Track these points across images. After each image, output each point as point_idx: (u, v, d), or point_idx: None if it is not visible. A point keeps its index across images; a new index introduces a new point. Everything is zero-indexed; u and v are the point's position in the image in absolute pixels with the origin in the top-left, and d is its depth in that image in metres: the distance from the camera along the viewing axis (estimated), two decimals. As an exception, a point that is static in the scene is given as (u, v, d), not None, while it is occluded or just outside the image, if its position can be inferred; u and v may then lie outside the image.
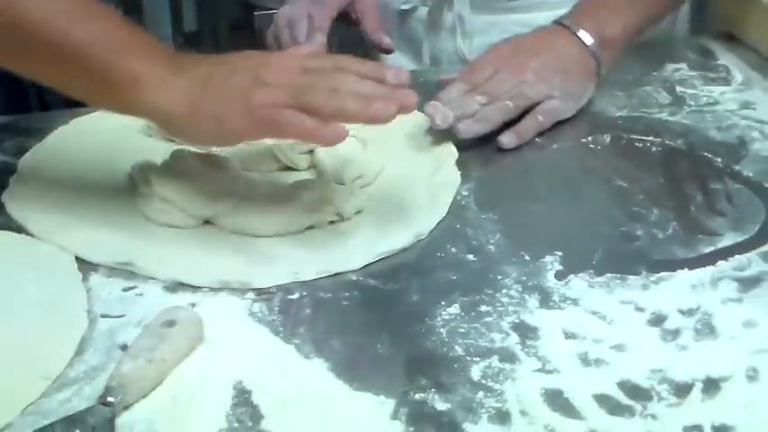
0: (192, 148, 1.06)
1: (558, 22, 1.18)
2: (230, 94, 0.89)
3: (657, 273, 0.91)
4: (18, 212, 1.00)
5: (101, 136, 1.13)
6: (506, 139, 1.11)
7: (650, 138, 1.13)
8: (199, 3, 2.92)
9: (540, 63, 1.13)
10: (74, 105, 1.20)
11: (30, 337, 0.84)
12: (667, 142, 1.12)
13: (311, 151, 1.06)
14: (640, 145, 1.12)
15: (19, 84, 1.51)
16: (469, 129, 1.10)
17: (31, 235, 0.97)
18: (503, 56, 1.15)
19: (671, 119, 1.17)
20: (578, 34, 1.15)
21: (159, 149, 1.07)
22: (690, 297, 0.88)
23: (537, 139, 1.13)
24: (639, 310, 0.87)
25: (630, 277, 0.91)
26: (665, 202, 1.02)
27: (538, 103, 1.13)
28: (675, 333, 0.84)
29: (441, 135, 1.11)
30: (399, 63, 1.41)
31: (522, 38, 1.18)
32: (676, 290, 0.89)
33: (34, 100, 2.07)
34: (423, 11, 1.39)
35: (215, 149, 1.05)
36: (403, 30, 1.42)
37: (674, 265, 0.92)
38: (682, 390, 0.78)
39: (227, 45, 2.79)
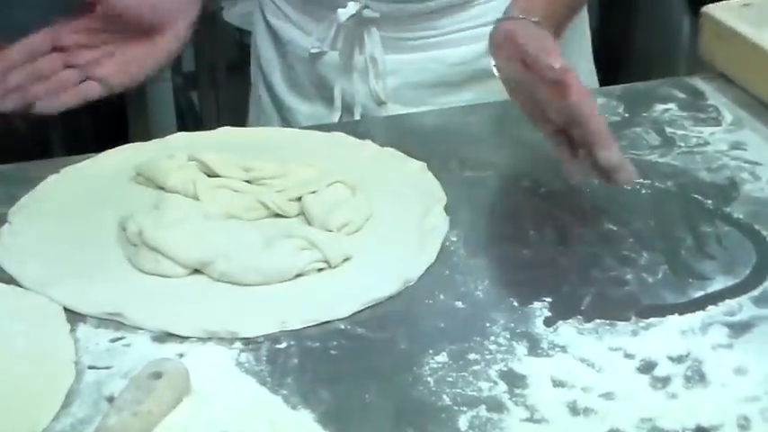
0: (179, 196, 1.06)
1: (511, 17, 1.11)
2: None
3: (647, 318, 0.91)
4: (7, 263, 0.99)
5: (91, 185, 1.13)
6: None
7: (640, 180, 1.12)
8: (196, 44, 2.93)
9: None
10: (76, 149, 1.21)
11: (16, 389, 0.84)
12: (657, 184, 1.12)
13: (300, 198, 1.06)
14: (629, 188, 1.11)
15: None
16: None
17: (21, 286, 0.97)
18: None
19: (660, 160, 1.17)
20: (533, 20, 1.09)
21: (150, 197, 1.07)
22: (680, 343, 0.88)
23: (525, 183, 1.13)
24: (629, 356, 0.87)
25: (620, 323, 0.91)
26: (655, 245, 1.02)
27: None
28: (665, 381, 0.84)
29: (429, 180, 1.11)
30: (312, 110, 1.40)
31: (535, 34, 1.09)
32: (666, 336, 0.89)
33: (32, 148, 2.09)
34: (332, 55, 1.36)
35: (205, 199, 1.05)
36: (312, 74, 1.39)
37: (663, 310, 0.92)
38: (671, 439, 0.78)
39: (224, 85, 2.80)
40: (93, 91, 1.21)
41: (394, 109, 1.34)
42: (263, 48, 1.46)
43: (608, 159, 1.00)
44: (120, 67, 1.22)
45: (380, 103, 1.35)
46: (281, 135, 1.24)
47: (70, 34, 1.19)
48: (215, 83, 2.85)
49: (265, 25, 1.45)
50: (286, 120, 1.42)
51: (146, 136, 1.24)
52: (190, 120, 2.88)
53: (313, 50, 1.35)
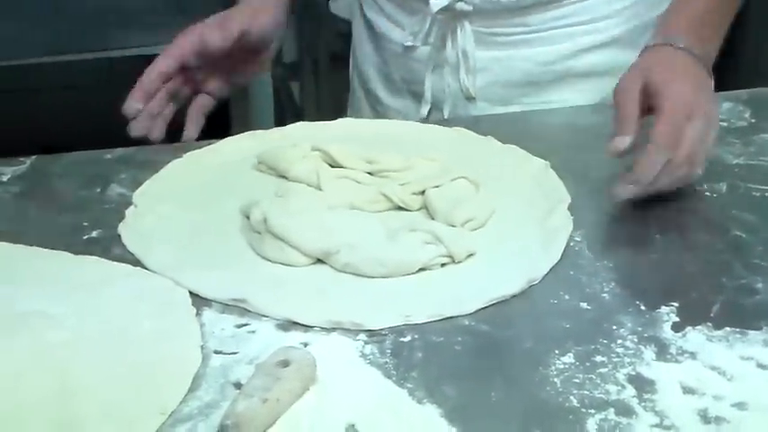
0: (303, 186, 1.07)
1: (685, 49, 1.11)
2: None
3: (779, 328, 0.89)
4: (134, 245, 1.01)
5: (213, 171, 1.14)
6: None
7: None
8: (298, 34, 2.95)
9: (705, 99, 1.08)
10: (177, 136, 1.23)
11: (145, 371, 0.85)
12: (787, 192, 1.10)
13: (423, 192, 1.06)
14: (758, 194, 1.09)
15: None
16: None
17: (147, 268, 0.98)
18: (687, 101, 1.06)
19: (790, 167, 1.15)
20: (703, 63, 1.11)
21: (271, 186, 1.08)
22: (814, 355, 0.86)
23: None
24: (761, 367, 0.85)
25: (751, 332, 0.89)
26: (785, 254, 1.00)
27: None
28: (800, 393, 0.82)
29: (552, 179, 1.10)
30: (401, 104, 1.41)
31: (678, 67, 1.10)
32: (799, 347, 0.87)
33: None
34: (423, 50, 1.36)
35: (327, 189, 1.05)
36: (403, 69, 1.40)
37: (796, 320, 0.90)
38: (807, 452, 0.76)
39: (326, 76, 2.81)
40: (208, 104, 1.28)
41: (482, 106, 1.35)
42: (360, 41, 1.47)
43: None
44: (226, 79, 1.29)
45: (470, 99, 1.35)
46: (403, 128, 1.24)
47: (194, 55, 1.23)
48: (317, 74, 2.86)
49: (363, 19, 1.46)
50: (378, 113, 1.44)
51: (245, 126, 1.28)
52: (289, 110, 2.90)
53: (407, 44, 1.35)
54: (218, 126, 1.27)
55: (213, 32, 1.23)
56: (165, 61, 1.23)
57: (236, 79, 1.31)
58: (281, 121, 1.23)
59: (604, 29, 1.34)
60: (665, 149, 1.03)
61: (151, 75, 1.22)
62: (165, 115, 1.24)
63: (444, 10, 1.30)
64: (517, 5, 1.30)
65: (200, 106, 1.28)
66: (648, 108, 1.06)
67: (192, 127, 1.26)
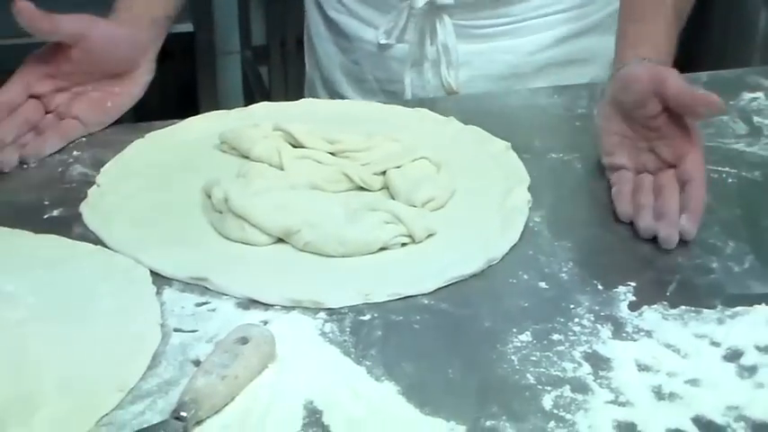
0: (264, 165, 1.07)
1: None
2: None
3: (733, 307, 0.90)
4: (95, 224, 1.01)
5: (176, 151, 1.14)
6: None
7: (726, 168, 1.12)
8: (267, 17, 2.94)
9: None
10: (143, 119, 1.22)
11: (104, 348, 0.85)
12: (744, 173, 1.11)
13: (384, 172, 1.06)
14: (716, 176, 1.11)
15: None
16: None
17: (108, 247, 0.98)
18: None
19: (748, 149, 1.16)
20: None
21: (233, 165, 1.08)
22: (767, 333, 0.87)
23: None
24: (715, 344, 0.86)
25: (705, 311, 0.90)
26: (741, 234, 1.01)
27: None
28: (752, 370, 0.83)
29: (512, 160, 1.11)
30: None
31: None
32: (753, 325, 0.88)
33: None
34: (399, 48, 1.35)
35: (289, 169, 1.05)
36: (378, 69, 1.39)
37: (750, 299, 0.91)
38: (759, 428, 0.77)
39: (294, 59, 2.80)
40: (74, 130, 1.16)
41: None
42: (321, 43, 1.45)
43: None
44: (95, 104, 1.18)
45: (451, 94, 1.34)
46: (365, 108, 1.24)
47: (43, 80, 1.16)
48: (285, 57, 2.85)
49: (324, 20, 1.43)
50: None
51: (214, 108, 1.25)
52: (258, 94, 2.90)
53: (381, 42, 1.34)
54: (187, 109, 1.27)
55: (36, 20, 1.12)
56: (6, 92, 1.14)
57: (105, 104, 1.19)
58: (249, 104, 1.21)
59: (585, 15, 1.35)
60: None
61: None
62: (17, 144, 1.13)
63: (425, 4, 1.29)
64: None
65: (63, 130, 1.16)
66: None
67: (42, 142, 1.14)
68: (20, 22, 1.11)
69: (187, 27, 2.57)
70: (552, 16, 1.33)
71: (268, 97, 2.82)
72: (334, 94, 1.44)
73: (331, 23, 1.42)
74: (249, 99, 3.01)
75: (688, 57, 1.36)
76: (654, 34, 1.12)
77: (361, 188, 1.06)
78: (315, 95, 1.48)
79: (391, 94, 1.38)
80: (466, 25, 1.32)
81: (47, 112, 1.17)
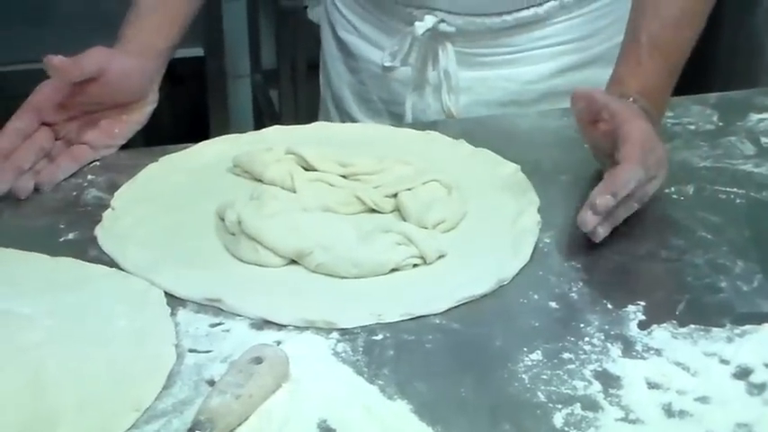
0: (277, 188, 1.08)
1: (640, 106, 1.10)
2: None
3: (742, 326, 0.91)
4: (110, 247, 1.02)
5: (189, 174, 1.16)
6: (602, 231, 1.01)
7: (734, 189, 1.13)
8: (277, 41, 2.97)
9: (661, 153, 1.08)
10: (154, 143, 1.24)
11: (120, 368, 0.86)
12: (752, 194, 1.12)
13: (395, 195, 1.07)
14: (724, 197, 1.12)
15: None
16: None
17: (122, 269, 0.99)
18: (644, 153, 1.03)
19: (756, 170, 1.17)
20: (649, 112, 1.10)
21: (246, 188, 1.09)
22: (776, 351, 0.88)
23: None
24: (724, 362, 0.87)
25: (715, 329, 0.91)
26: (749, 254, 1.01)
27: None
28: (762, 387, 0.84)
29: (522, 182, 1.12)
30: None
31: (642, 124, 1.07)
32: (762, 343, 0.89)
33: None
34: (403, 70, 1.37)
35: (301, 192, 1.07)
36: (382, 90, 1.40)
37: (759, 318, 0.92)
38: (769, 445, 0.78)
39: (305, 84, 2.82)
40: (85, 155, 1.18)
41: None
42: (333, 63, 1.47)
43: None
44: (104, 131, 1.20)
45: (451, 118, 1.35)
46: (376, 132, 1.26)
47: (56, 109, 1.17)
48: (295, 81, 2.87)
49: (335, 40, 1.46)
50: None
51: (224, 131, 1.26)
52: (268, 117, 2.92)
53: (386, 65, 1.36)
54: (198, 133, 1.28)
55: (68, 71, 1.15)
56: (20, 120, 1.15)
57: (114, 130, 1.21)
58: (259, 127, 1.23)
59: (587, 47, 1.36)
60: (637, 167, 1.01)
61: (5, 134, 1.14)
62: (32, 171, 1.14)
63: (427, 30, 1.31)
64: (501, 26, 1.31)
65: (74, 155, 1.18)
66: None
67: (56, 168, 1.15)
68: (51, 74, 1.15)
69: (198, 51, 2.59)
70: (555, 47, 1.34)
71: (278, 120, 2.84)
72: (343, 113, 1.46)
73: (341, 43, 1.44)
74: (259, 122, 3.02)
75: (696, 78, 1.37)
76: (645, 74, 1.13)
77: (373, 210, 1.07)
78: (326, 113, 1.51)
79: (396, 115, 1.40)
80: (467, 53, 1.34)
81: (56, 139, 1.18)
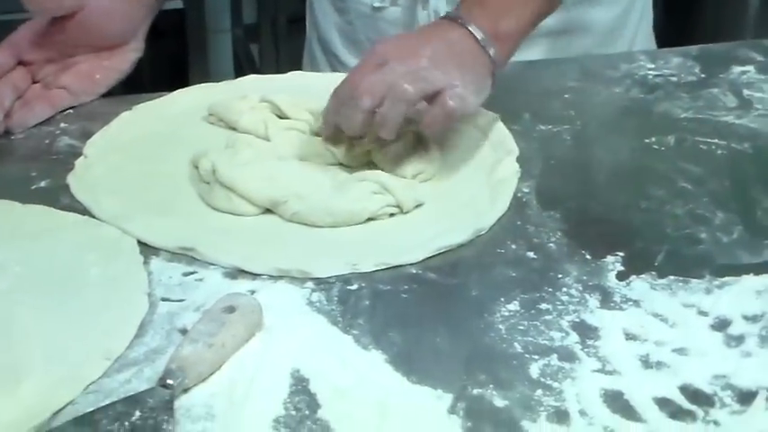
0: (252, 137, 1.06)
1: (448, 16, 1.08)
2: None
3: (722, 277, 0.90)
4: (83, 195, 1.00)
5: (163, 122, 1.14)
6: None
7: (716, 140, 1.12)
8: (258, -5, 2.94)
9: (433, 51, 1.02)
10: (133, 92, 1.21)
11: (91, 317, 0.85)
12: (733, 145, 1.11)
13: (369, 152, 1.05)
14: (705, 147, 1.11)
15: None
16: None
17: (95, 217, 0.98)
18: (387, 49, 1.03)
19: (737, 122, 1.15)
20: (469, 28, 1.06)
21: (221, 137, 1.08)
22: (755, 303, 0.87)
23: (600, 138, 1.12)
24: (703, 314, 0.86)
25: (694, 281, 0.90)
26: (730, 205, 1.01)
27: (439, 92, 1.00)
28: (739, 339, 0.83)
29: (501, 132, 1.11)
30: None
31: (408, 33, 1.12)
32: (741, 295, 0.88)
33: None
34: (392, 11, 1.34)
35: (275, 140, 1.05)
36: (370, 31, 1.37)
37: (738, 269, 0.91)
38: (746, 397, 0.77)
39: (285, 38, 2.79)
40: (62, 100, 1.16)
41: None
42: (320, 4, 1.45)
43: None
44: (83, 75, 1.17)
45: None
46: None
47: (33, 48, 1.15)
48: (276, 35, 2.84)
49: None
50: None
51: None
52: (249, 72, 2.88)
53: (375, 5, 1.34)
54: (177, 88, 1.26)
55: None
56: None
57: (95, 77, 1.18)
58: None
59: None
60: (338, 91, 1.02)
61: None
62: (2, 111, 1.11)
63: None
64: None
65: (50, 100, 1.15)
66: None
67: (29, 111, 1.13)
68: (26, 4, 1.11)
69: (177, 4, 2.56)
70: None
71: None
72: (330, 54, 1.44)
73: None
74: (240, 77, 2.99)
75: (681, 31, 1.35)
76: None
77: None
78: (312, 57, 1.48)
79: None
80: None
81: (34, 82, 1.16)
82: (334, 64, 1.43)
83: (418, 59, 1.01)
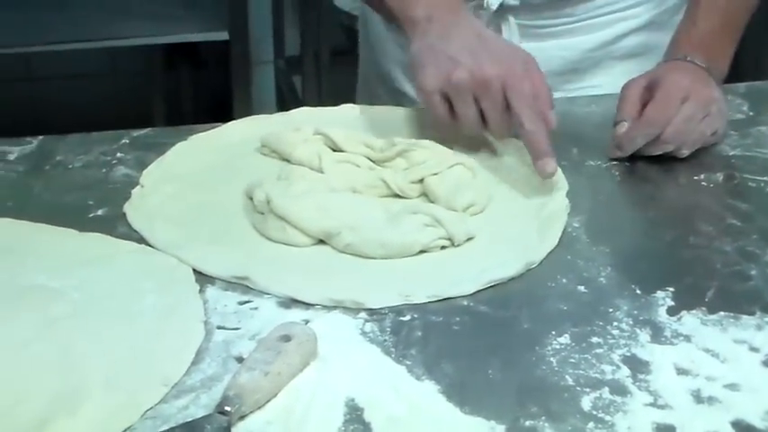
0: (305, 168, 1.08)
1: (688, 60, 1.19)
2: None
3: (772, 314, 0.91)
4: (139, 223, 1.02)
5: (218, 153, 1.16)
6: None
7: (765, 177, 1.12)
8: (301, 28, 2.96)
9: (719, 95, 1.17)
10: (176, 122, 1.23)
11: (149, 344, 0.86)
12: (783, 183, 1.12)
13: (421, 180, 1.07)
14: (754, 185, 1.11)
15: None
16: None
17: (151, 246, 1.00)
18: (681, 86, 1.15)
19: (786, 159, 1.16)
20: (713, 77, 1.18)
21: (274, 168, 1.10)
22: (805, 339, 0.88)
23: (649, 175, 1.13)
24: (754, 350, 0.87)
25: (744, 317, 0.91)
26: (780, 242, 1.01)
27: None
28: (791, 375, 0.84)
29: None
30: None
31: (679, 69, 1.18)
32: (791, 332, 0.89)
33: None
34: None
35: (329, 172, 1.07)
36: None
37: (789, 306, 0.92)
38: (797, 432, 0.77)
39: (328, 70, 2.82)
40: None
41: None
42: (380, 44, 1.46)
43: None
44: None
45: None
46: (403, 114, 1.25)
47: None
48: (319, 67, 2.87)
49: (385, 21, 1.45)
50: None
51: None
52: (291, 104, 2.91)
53: None
54: (221, 120, 1.28)
55: None
56: None
57: None
58: (283, 114, 1.22)
59: (641, 13, 1.38)
60: (647, 127, 1.13)
61: None
62: None
63: (499, 6, 1.32)
64: None
65: None
66: None
67: None
68: None
69: (222, 36, 2.59)
70: (611, 15, 1.36)
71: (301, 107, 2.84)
72: (393, 90, 1.45)
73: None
74: (282, 109, 2.99)
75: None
76: (699, 33, 1.21)
77: (398, 195, 1.07)
78: (370, 91, 1.50)
79: None
80: (529, 25, 1.35)
81: None
82: (398, 97, 1.45)
83: (710, 105, 1.16)
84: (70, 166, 1.13)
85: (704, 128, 1.14)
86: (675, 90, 1.13)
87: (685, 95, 1.13)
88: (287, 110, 1.27)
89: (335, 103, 1.33)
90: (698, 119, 1.14)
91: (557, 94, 1.31)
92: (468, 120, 1.11)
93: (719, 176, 1.13)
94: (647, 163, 1.15)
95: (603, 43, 1.37)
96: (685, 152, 1.15)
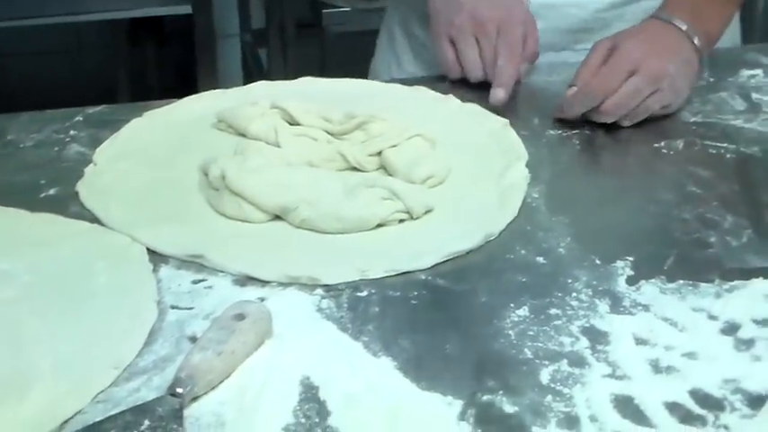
0: (262, 143, 1.06)
1: (667, 20, 1.18)
2: None
3: (731, 281, 0.90)
4: (92, 203, 1.01)
5: (173, 129, 1.14)
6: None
7: (725, 144, 1.12)
8: (266, 0, 2.94)
9: (676, 69, 1.15)
10: (142, 99, 1.21)
11: (100, 326, 0.85)
12: (742, 149, 1.11)
13: (379, 153, 1.05)
14: (714, 151, 1.11)
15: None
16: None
17: (104, 225, 0.98)
18: (633, 58, 1.13)
19: (746, 126, 1.16)
20: (693, 40, 1.17)
21: (231, 143, 1.08)
22: (764, 307, 0.87)
23: (609, 143, 1.12)
24: (712, 318, 0.86)
25: (703, 284, 0.90)
26: (739, 209, 1.00)
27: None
28: (749, 343, 0.83)
29: (510, 137, 1.10)
30: None
31: (647, 33, 1.18)
32: (750, 299, 0.88)
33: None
34: None
35: (286, 147, 1.05)
36: None
37: (748, 273, 0.91)
38: (756, 401, 0.77)
39: (294, 43, 2.80)
40: None
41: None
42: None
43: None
44: None
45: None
46: (362, 87, 1.24)
47: None
48: (285, 41, 2.85)
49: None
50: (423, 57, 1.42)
51: None
52: (257, 77, 2.88)
53: None
54: (186, 93, 1.26)
55: None
56: None
57: None
58: (248, 88, 1.21)
59: None
60: (587, 96, 1.13)
61: None
62: None
63: None
64: None
65: None
66: None
67: None
68: None
69: (185, 9, 2.56)
70: None
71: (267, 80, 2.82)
72: (411, 35, 1.44)
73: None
74: (248, 82, 2.98)
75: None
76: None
77: (356, 169, 1.05)
78: (392, 37, 1.48)
79: None
80: None
81: None
82: (415, 46, 1.43)
83: (661, 80, 1.13)
84: (21, 146, 1.11)
85: (651, 103, 1.13)
86: (624, 62, 1.12)
87: (634, 68, 1.12)
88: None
89: (302, 75, 1.32)
90: (644, 94, 1.12)
91: (566, 53, 1.32)
92: (469, 61, 1.19)
93: (680, 143, 1.12)
94: (607, 131, 1.14)
95: (614, 4, 1.35)
96: (627, 123, 1.14)
